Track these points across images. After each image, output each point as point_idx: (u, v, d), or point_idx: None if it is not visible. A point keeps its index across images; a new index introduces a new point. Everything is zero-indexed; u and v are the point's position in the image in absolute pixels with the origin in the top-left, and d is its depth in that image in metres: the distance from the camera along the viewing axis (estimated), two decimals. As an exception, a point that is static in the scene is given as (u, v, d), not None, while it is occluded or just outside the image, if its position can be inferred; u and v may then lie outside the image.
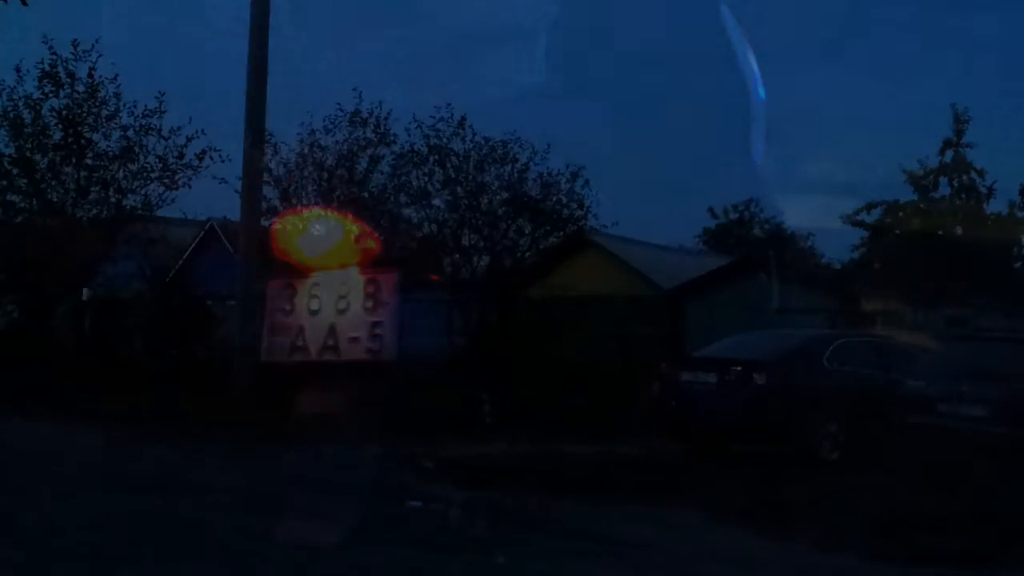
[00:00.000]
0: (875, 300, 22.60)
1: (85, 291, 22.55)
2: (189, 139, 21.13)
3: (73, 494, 8.95)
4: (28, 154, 21.11)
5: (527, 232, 25.81)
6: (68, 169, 21.24)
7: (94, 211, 21.68)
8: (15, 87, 20.87)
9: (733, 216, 46.18)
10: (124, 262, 22.86)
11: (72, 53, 20.63)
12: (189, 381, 17.99)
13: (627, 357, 22.81)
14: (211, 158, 21.15)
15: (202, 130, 21.09)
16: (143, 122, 21.21)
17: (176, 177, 21.40)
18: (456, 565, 6.86)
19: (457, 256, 25.82)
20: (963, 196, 32.89)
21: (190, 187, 21.63)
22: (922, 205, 33.14)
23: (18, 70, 20.76)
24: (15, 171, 21.23)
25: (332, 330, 13.88)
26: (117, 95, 21.07)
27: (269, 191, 22.48)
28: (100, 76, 20.89)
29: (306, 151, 23.69)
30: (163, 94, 21.23)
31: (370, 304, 13.53)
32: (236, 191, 18.84)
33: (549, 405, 16.99)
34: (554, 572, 6.82)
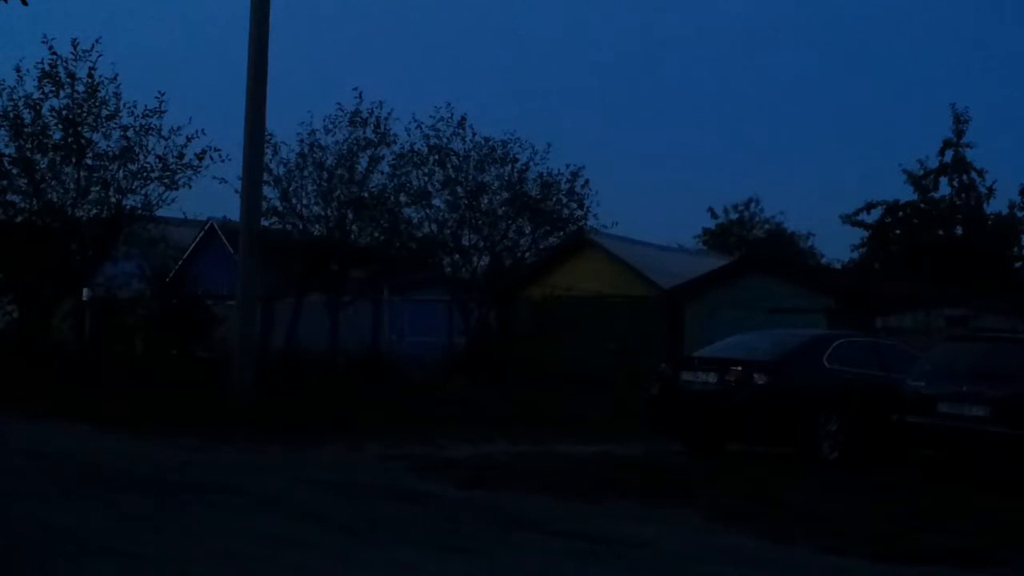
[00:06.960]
0: (874, 300, 22.57)
1: (85, 291, 22.51)
2: (189, 139, 21.10)
3: (74, 494, 8.95)
4: (28, 154, 21.06)
5: (527, 232, 25.81)
6: (68, 169, 21.19)
7: (94, 211, 21.64)
8: (15, 87, 20.88)
9: (733, 216, 46.20)
10: (124, 262, 22.84)
11: (72, 53, 20.62)
12: (189, 381, 17.98)
13: (626, 357, 22.85)
14: (211, 158, 21.10)
15: (202, 130, 21.05)
16: (143, 122, 21.19)
17: (176, 177, 21.35)
18: (456, 565, 6.87)
19: (457, 256, 25.83)
20: (963, 196, 32.96)
21: (190, 187, 21.59)
22: (922, 205, 33.20)
23: (18, 70, 20.76)
24: (15, 171, 21.19)
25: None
26: (117, 95, 21.05)
27: (269, 191, 22.51)
28: (100, 76, 20.88)
29: (306, 151, 23.71)
30: (163, 94, 21.22)
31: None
32: (236, 191, 18.85)
33: (549, 405, 17.01)
34: (554, 572, 6.82)
